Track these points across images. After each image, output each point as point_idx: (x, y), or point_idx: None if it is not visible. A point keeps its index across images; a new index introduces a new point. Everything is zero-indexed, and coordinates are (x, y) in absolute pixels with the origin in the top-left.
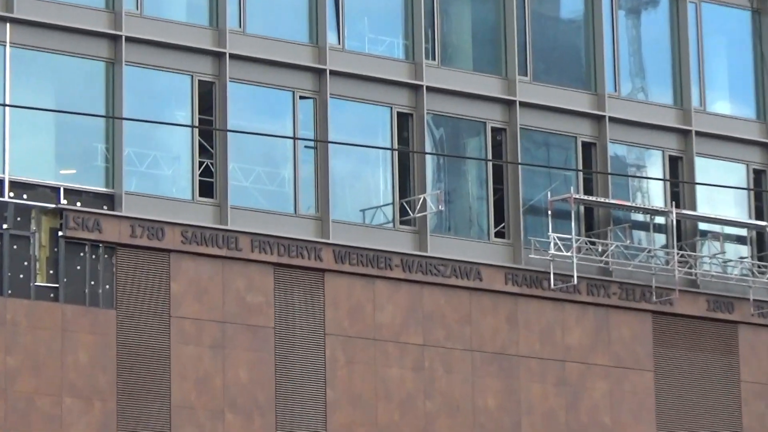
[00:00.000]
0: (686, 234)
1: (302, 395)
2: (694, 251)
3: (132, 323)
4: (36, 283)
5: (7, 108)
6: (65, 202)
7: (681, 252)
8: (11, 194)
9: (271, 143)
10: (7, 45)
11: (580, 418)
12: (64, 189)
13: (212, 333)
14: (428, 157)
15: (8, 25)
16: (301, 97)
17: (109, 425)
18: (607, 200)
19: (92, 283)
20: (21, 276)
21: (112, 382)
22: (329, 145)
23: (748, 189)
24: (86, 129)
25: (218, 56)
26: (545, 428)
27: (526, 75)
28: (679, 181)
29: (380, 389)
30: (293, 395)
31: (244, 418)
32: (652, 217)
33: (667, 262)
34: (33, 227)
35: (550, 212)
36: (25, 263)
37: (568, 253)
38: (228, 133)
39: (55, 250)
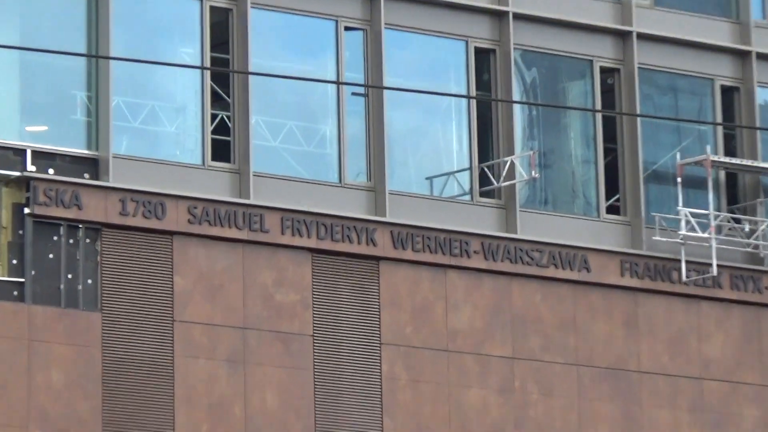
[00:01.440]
0: None
1: (350, 426)
2: None
3: (122, 330)
4: None
5: None
6: (33, 168)
7: None
8: None
9: (308, 90)
10: None
11: None
12: (32, 151)
13: (230, 343)
14: (517, 108)
15: None
16: (347, 28)
17: None
18: (755, 163)
19: (69, 276)
20: None
21: (96, 410)
22: (385, 92)
23: None
24: (61, 72)
25: None
26: None
27: None
28: None
29: (455, 417)
30: (338, 426)
31: None
32: None
33: None
34: None
35: (679, 180)
36: None
37: (705, 234)
38: (250, 76)
39: (20, 232)
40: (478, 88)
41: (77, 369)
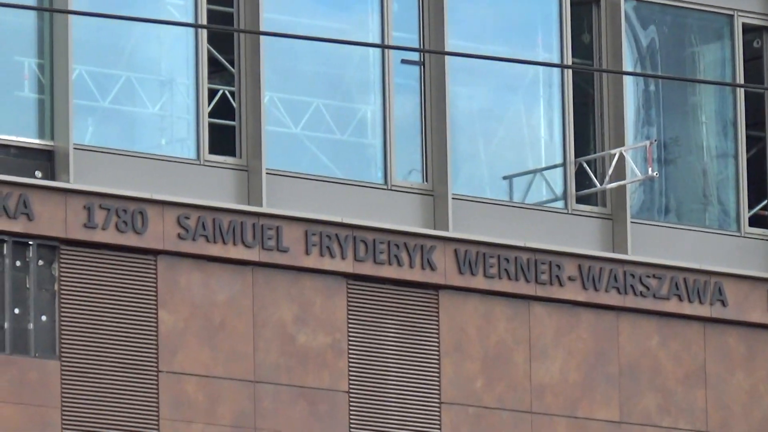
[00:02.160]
0: None
1: None
2: None
3: (89, 386)
4: None
5: None
6: None
7: None
8: None
9: (340, 56)
10: None
11: None
12: None
13: (236, 402)
14: (629, 83)
15: None
16: None
17: None
18: None
19: (16, 311)
20: None
21: None
22: (447, 60)
23: None
24: (3, 33)
25: None
26: None
27: None
28: None
29: None
30: None
31: None
32: None
33: None
34: None
35: None
36: None
37: None
38: (261, 36)
39: None
40: (574, 55)
41: None
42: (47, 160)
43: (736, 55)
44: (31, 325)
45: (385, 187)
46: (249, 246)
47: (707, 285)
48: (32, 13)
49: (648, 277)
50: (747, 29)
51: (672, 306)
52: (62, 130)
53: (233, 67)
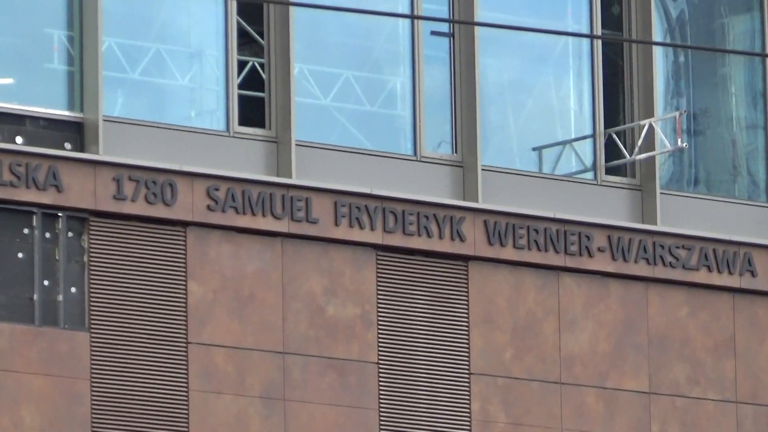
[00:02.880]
0: None
1: None
2: None
3: (118, 357)
4: None
5: None
6: None
7: None
8: None
9: (370, 28)
10: None
11: None
12: None
13: (265, 373)
14: (658, 52)
15: None
16: None
17: None
18: None
19: (45, 283)
20: None
21: None
22: (477, 31)
23: None
24: (32, 5)
25: None
26: None
27: None
28: None
29: None
30: None
31: None
32: None
33: None
34: None
35: None
36: None
37: None
38: (290, 7)
39: None
40: (604, 26)
41: (58, 407)
42: (76, 132)
43: (765, 26)
44: (60, 297)
45: (414, 158)
46: (278, 217)
47: (736, 256)
48: None
49: (677, 248)
50: None
51: (701, 277)
52: (92, 102)
53: (263, 38)
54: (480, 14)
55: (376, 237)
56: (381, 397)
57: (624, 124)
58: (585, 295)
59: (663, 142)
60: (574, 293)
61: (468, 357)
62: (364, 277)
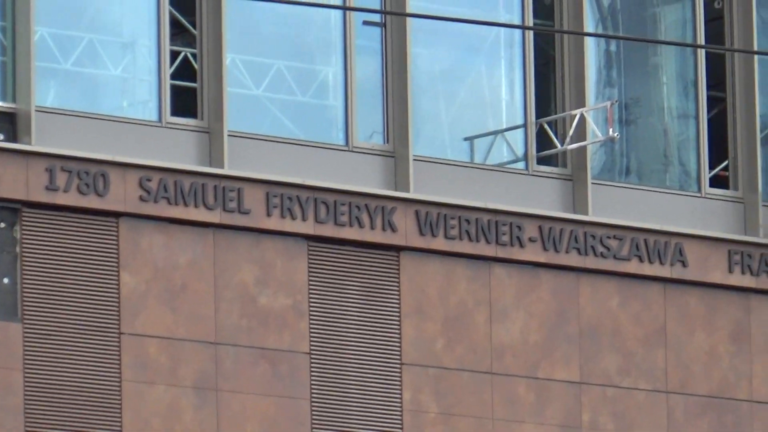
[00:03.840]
0: None
1: None
2: None
3: (51, 348)
4: None
5: None
6: None
7: None
8: None
9: (303, 18)
10: None
11: None
12: None
13: (197, 363)
14: (591, 44)
15: None
16: None
17: None
18: None
19: None
20: None
21: None
22: (409, 21)
23: None
24: None
25: None
26: None
27: None
28: None
29: None
30: None
31: None
32: None
33: None
34: None
35: None
36: None
37: None
38: None
39: None
40: (536, 16)
41: None
42: (9, 122)
43: (697, 16)
44: None
45: (346, 148)
46: (210, 208)
47: (668, 246)
48: None
49: (609, 238)
50: None
51: (632, 267)
52: (24, 93)
53: (195, 28)
54: (412, 4)
55: (308, 227)
56: (313, 387)
57: (555, 114)
58: (516, 286)
59: (594, 132)
60: (506, 283)
61: (399, 347)
62: (296, 268)
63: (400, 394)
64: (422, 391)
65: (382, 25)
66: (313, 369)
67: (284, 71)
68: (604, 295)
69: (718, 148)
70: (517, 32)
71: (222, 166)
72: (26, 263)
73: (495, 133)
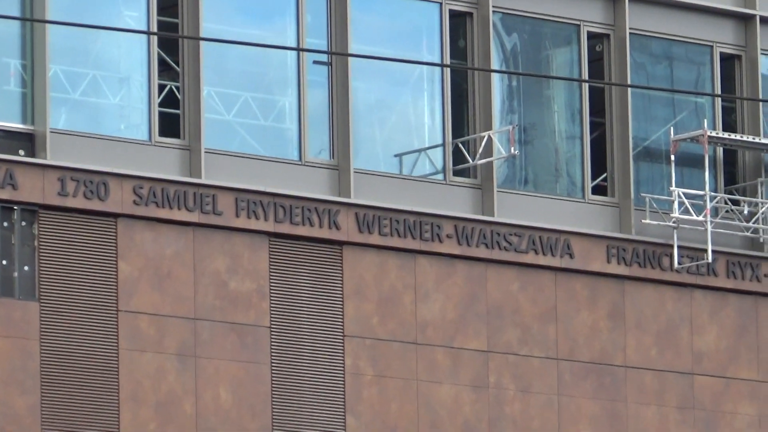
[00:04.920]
0: None
1: (311, 425)
2: None
3: (62, 321)
4: None
5: None
6: None
7: None
8: None
9: (265, 58)
10: None
11: None
12: None
13: (179, 335)
14: (495, 78)
15: None
16: None
17: None
18: (756, 139)
19: (3, 263)
20: None
21: (35, 407)
22: (350, 60)
23: None
24: None
25: None
26: None
27: None
28: None
29: (425, 416)
30: (297, 425)
31: None
32: None
33: None
34: None
35: (673, 157)
36: None
37: (700, 218)
38: (201, 42)
39: None
40: (452, 56)
41: (13, 363)
42: (28, 141)
43: (582, 57)
44: (15, 274)
45: (299, 162)
46: (190, 210)
47: (558, 241)
48: (17, 22)
49: (510, 235)
50: (591, 36)
51: (529, 258)
52: (40, 117)
53: (178, 66)
54: (353, 47)
55: (269, 226)
56: (272, 354)
57: (468, 135)
58: (436, 273)
59: (499, 149)
60: (427, 271)
61: (342, 322)
62: (259, 258)
63: (343, 360)
64: (360, 357)
65: (329, 63)
66: (272, 340)
67: (250, 101)
68: (506, 281)
69: (599, 163)
70: (437, 69)
71: (200, 177)
72: (42, 254)
73: (419, 150)
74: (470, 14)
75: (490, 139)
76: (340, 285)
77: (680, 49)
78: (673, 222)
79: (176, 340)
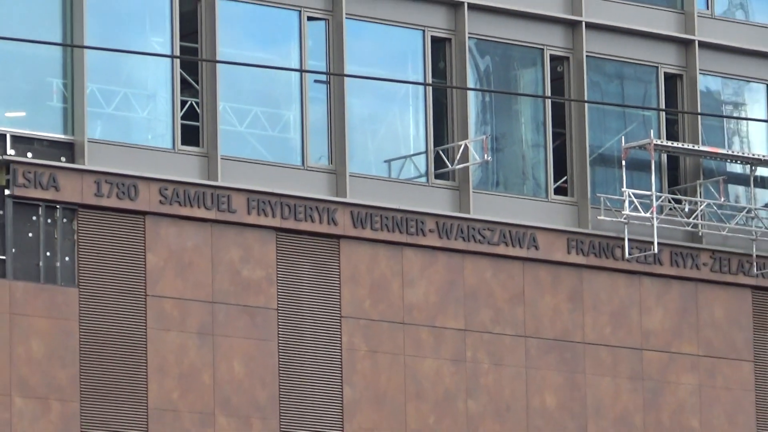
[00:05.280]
0: None
1: (312, 394)
2: None
3: (98, 304)
4: None
5: None
6: (13, 152)
7: None
8: None
9: (272, 77)
10: None
11: (661, 421)
12: (11, 136)
13: (199, 316)
14: (471, 95)
15: None
16: (309, 18)
17: (71, 431)
18: (696, 147)
19: (48, 254)
20: None
21: (74, 379)
22: (346, 79)
23: None
24: (38, 60)
25: None
26: None
27: None
28: None
29: (411, 386)
30: (301, 394)
31: (240, 422)
32: (754, 168)
33: None
34: None
35: (624, 163)
36: None
37: (647, 214)
38: (217, 64)
39: (1, 213)
40: (434, 76)
41: (56, 340)
42: (69, 149)
43: (545, 77)
44: (58, 264)
45: (302, 167)
46: (208, 208)
47: (525, 235)
48: (59, 47)
49: (484, 229)
50: (553, 58)
51: (501, 249)
52: (79, 129)
53: (198, 84)
54: (348, 68)
55: (276, 222)
56: (279, 333)
57: (447, 144)
58: (420, 263)
59: (474, 156)
60: (413, 261)
61: (339, 305)
62: (268, 250)
63: (340, 338)
64: (355, 335)
65: (327, 82)
66: (279, 320)
67: (259, 114)
68: (481, 269)
69: (560, 168)
70: (421, 87)
71: (216, 180)
72: (81, 247)
73: (405, 157)
74: (449, 40)
75: (466, 147)
76: (337, 273)
77: (630, 70)
78: (624, 218)
79: (196, 321)
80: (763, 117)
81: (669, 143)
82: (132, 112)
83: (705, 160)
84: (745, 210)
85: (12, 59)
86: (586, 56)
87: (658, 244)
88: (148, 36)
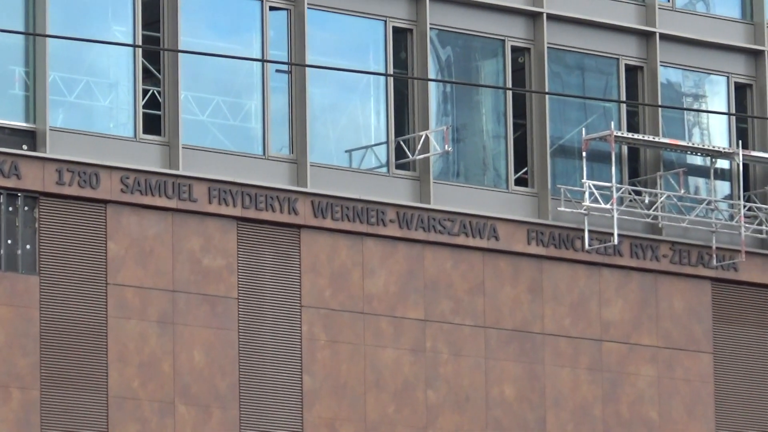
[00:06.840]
0: (756, 182)
1: (272, 383)
2: (766, 204)
3: (59, 293)
4: None
5: None
6: None
7: (749, 204)
8: None
9: (234, 67)
10: None
11: (620, 412)
12: None
13: (160, 305)
14: (432, 85)
15: None
16: (271, 8)
17: (31, 419)
18: (656, 139)
19: (9, 242)
20: None
21: (35, 367)
22: (307, 69)
23: None
24: (0, 49)
25: None
26: (576, 424)
27: None
28: (749, 115)
29: (370, 375)
30: (261, 383)
31: (200, 411)
32: (714, 160)
33: (732, 217)
34: None
35: (584, 154)
36: None
37: (607, 206)
38: (179, 53)
39: None
40: (395, 66)
41: (17, 328)
42: (31, 137)
43: (506, 68)
44: (19, 252)
45: (263, 157)
46: (170, 197)
47: (485, 225)
48: (21, 35)
49: (445, 220)
50: (514, 50)
51: (461, 240)
52: (41, 117)
53: (159, 74)
54: (310, 58)
55: (237, 211)
56: (240, 322)
57: (408, 134)
58: (381, 253)
59: (435, 147)
60: (373, 251)
61: (300, 294)
62: (229, 239)
63: (300, 327)
64: (315, 325)
65: (289, 72)
66: (240, 309)
67: (221, 103)
68: (441, 260)
69: (520, 159)
70: (382, 77)
71: (178, 169)
72: (42, 235)
73: (366, 147)
74: (410, 30)
75: (427, 137)
76: (297, 262)
77: (591, 61)
78: (584, 209)
79: (157, 309)
80: (724, 109)
81: (629, 135)
82: (94, 101)
83: (665, 151)
84: (705, 202)
85: None
86: (547, 47)
87: (618, 235)
88: (111, 25)
